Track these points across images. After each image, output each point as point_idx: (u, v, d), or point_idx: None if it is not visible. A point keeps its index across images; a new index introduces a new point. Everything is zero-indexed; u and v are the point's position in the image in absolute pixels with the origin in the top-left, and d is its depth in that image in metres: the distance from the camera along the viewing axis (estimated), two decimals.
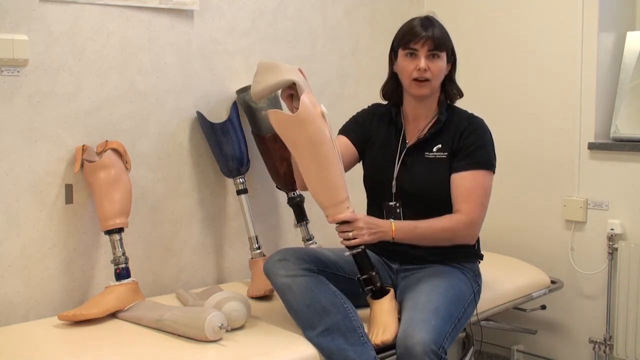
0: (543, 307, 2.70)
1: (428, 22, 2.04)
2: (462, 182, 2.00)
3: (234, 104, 2.45)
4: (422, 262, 2.06)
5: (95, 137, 2.18)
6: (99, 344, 1.80)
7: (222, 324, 1.79)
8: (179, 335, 1.83)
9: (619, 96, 2.69)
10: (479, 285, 2.10)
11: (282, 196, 2.58)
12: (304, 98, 1.83)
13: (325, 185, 1.87)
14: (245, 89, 2.44)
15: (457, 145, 2.05)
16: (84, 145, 2.14)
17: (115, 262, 2.09)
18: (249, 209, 2.42)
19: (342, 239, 1.89)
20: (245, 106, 2.46)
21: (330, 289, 1.90)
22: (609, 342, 2.67)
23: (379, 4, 3.02)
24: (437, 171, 2.04)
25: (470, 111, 2.18)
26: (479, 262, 2.16)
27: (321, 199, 1.89)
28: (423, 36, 2.00)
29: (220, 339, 1.80)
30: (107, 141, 2.17)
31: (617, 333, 2.63)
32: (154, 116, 2.32)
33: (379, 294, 1.92)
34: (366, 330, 1.87)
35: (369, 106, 2.25)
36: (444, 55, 2.04)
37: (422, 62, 2.00)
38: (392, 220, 1.98)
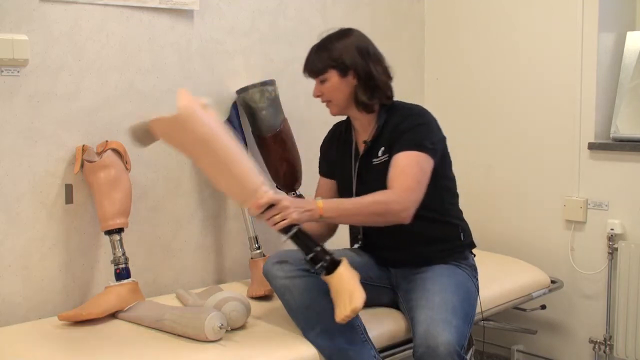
0: (543, 307, 2.70)
1: (313, 49, 2.09)
2: (395, 162, 1.96)
3: (234, 104, 2.44)
4: (417, 265, 2.05)
5: (95, 137, 2.18)
6: (99, 344, 1.80)
7: (222, 324, 1.79)
8: (179, 335, 1.83)
9: (619, 96, 2.69)
10: (477, 280, 2.10)
11: None
12: (179, 96, 1.76)
13: (234, 179, 1.77)
14: (246, 89, 2.44)
15: (393, 139, 2.02)
16: (84, 145, 2.13)
17: (115, 262, 2.09)
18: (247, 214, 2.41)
19: (272, 225, 1.77)
20: (245, 106, 2.46)
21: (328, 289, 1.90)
22: (609, 342, 2.67)
23: (379, 4, 3.02)
24: (383, 174, 1.98)
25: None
26: (474, 256, 2.15)
27: (236, 194, 1.81)
28: (304, 69, 2.09)
29: (220, 339, 1.80)
30: (107, 141, 2.17)
31: (617, 333, 2.63)
32: (153, 116, 2.32)
33: (332, 267, 1.81)
34: (335, 308, 1.80)
35: (328, 132, 2.28)
36: (330, 74, 2.03)
37: (314, 90, 2.08)
38: (319, 198, 1.93)
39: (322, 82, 2.05)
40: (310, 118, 2.73)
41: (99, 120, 2.20)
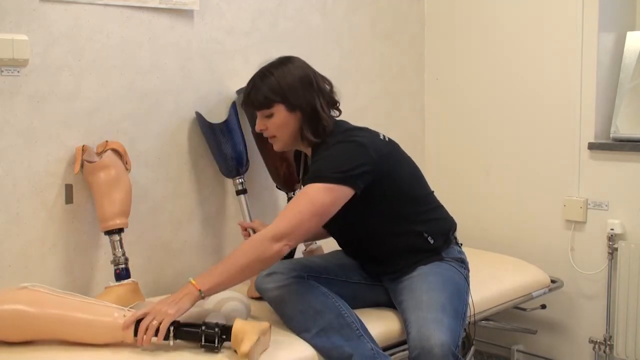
0: (543, 307, 2.70)
1: (254, 80, 1.98)
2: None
3: (233, 104, 2.44)
4: (401, 272, 2.02)
5: (95, 137, 2.18)
6: (99, 343, 1.80)
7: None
8: None
9: (619, 96, 2.69)
10: (467, 270, 2.07)
11: (282, 196, 2.58)
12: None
13: (88, 326, 1.73)
14: None
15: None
16: (84, 146, 2.13)
17: (115, 262, 2.09)
18: (248, 210, 2.41)
19: (154, 337, 1.68)
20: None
21: (320, 290, 1.92)
22: (609, 342, 2.67)
23: (379, 4, 3.02)
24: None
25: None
26: (460, 245, 2.12)
27: (102, 336, 1.73)
28: (244, 101, 2.00)
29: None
30: (107, 141, 2.17)
31: (617, 333, 2.63)
32: (153, 116, 2.32)
33: (227, 331, 1.72)
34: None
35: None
36: (276, 109, 1.94)
37: (257, 124, 1.99)
38: (192, 277, 1.80)
39: (268, 116, 1.96)
40: None
41: (99, 120, 2.20)
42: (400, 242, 2.02)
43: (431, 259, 2.02)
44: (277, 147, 2.03)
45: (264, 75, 1.96)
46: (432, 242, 2.04)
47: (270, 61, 2.00)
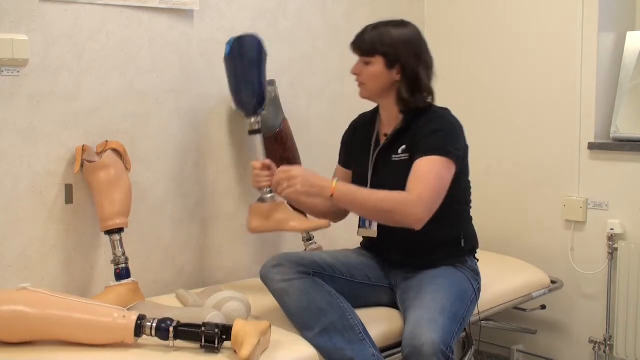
0: (543, 307, 2.70)
1: (368, 28, 2.06)
2: (416, 167, 1.95)
3: (259, 41, 2.33)
4: (417, 267, 2.05)
5: (95, 137, 2.18)
6: (99, 344, 1.80)
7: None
8: None
9: (619, 96, 2.69)
10: (479, 284, 2.11)
11: None
12: None
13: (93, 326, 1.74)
14: None
15: (416, 141, 2.01)
16: (84, 145, 2.13)
17: (115, 262, 2.09)
18: (264, 150, 2.31)
19: (277, 191, 1.90)
20: None
21: (325, 289, 1.91)
22: (609, 342, 2.67)
23: (379, 4, 3.02)
24: (400, 173, 1.97)
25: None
26: (477, 261, 2.16)
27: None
28: (353, 42, 2.06)
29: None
30: (107, 141, 2.17)
31: (617, 333, 2.63)
32: (154, 116, 2.32)
33: (227, 332, 1.73)
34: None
35: (353, 120, 2.27)
36: (376, 60, 2.01)
37: (354, 67, 2.06)
38: (337, 179, 1.95)
39: (366, 63, 2.03)
40: (310, 118, 2.74)
41: (99, 120, 2.20)
42: (439, 235, 2.03)
43: (453, 261, 2.06)
44: (362, 94, 2.09)
45: (376, 26, 2.05)
46: (463, 245, 2.09)
47: (389, 19, 2.09)
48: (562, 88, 2.77)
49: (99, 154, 2.12)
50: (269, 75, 2.58)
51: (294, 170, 1.90)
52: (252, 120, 2.30)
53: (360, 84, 2.07)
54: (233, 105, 2.32)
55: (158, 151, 2.34)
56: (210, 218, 2.50)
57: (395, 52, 2.01)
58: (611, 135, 2.68)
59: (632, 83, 2.67)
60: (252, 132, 2.31)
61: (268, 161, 2.11)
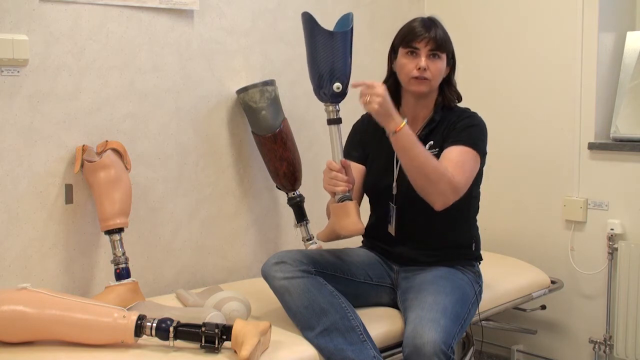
0: (543, 307, 2.70)
1: (431, 22, 2.06)
2: (449, 154, 1.97)
3: (351, 17, 2.13)
4: (421, 264, 2.07)
5: (95, 137, 2.18)
6: (99, 344, 1.80)
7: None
8: None
9: (619, 96, 2.69)
10: (480, 287, 2.11)
11: (282, 196, 2.58)
12: None
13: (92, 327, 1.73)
14: (245, 89, 2.44)
15: (448, 134, 2.03)
16: (84, 145, 2.14)
17: (115, 262, 2.09)
18: (341, 141, 2.01)
19: (363, 103, 1.86)
20: (245, 106, 2.46)
21: (327, 289, 1.90)
22: (609, 342, 2.67)
23: (379, 4, 3.02)
24: None
25: (471, 110, 2.18)
26: (479, 264, 2.17)
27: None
28: (426, 36, 2.02)
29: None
30: (107, 141, 2.17)
31: (617, 333, 2.63)
32: (154, 116, 2.32)
33: (227, 331, 1.71)
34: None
35: (362, 115, 2.21)
36: (444, 56, 2.05)
37: (423, 61, 2.01)
38: (405, 119, 1.89)
39: (434, 57, 2.03)
40: (310, 118, 2.73)
41: (99, 120, 2.20)
42: (452, 235, 2.08)
43: (462, 263, 2.08)
44: (423, 88, 2.04)
45: (434, 21, 2.07)
46: (473, 248, 2.12)
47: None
48: (562, 88, 2.77)
49: (99, 153, 2.12)
50: (269, 75, 2.59)
51: (378, 88, 1.84)
52: (330, 108, 2.00)
53: (424, 80, 2.02)
54: (330, 87, 2.00)
55: (158, 151, 2.34)
56: (210, 218, 2.50)
57: (453, 50, 2.09)
58: (611, 135, 2.68)
59: (632, 83, 2.67)
60: (333, 122, 2.01)
61: (347, 162, 1.96)
